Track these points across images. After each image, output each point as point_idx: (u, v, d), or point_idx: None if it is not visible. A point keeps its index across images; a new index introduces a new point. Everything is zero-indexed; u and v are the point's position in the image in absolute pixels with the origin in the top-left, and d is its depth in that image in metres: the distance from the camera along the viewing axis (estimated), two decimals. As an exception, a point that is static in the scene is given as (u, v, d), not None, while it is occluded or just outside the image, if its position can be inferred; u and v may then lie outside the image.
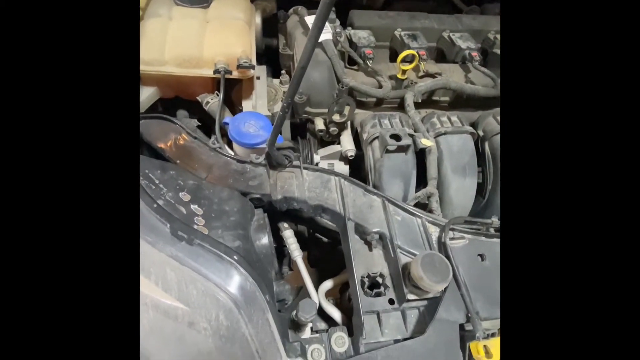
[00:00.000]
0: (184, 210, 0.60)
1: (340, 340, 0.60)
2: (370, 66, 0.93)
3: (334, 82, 0.91)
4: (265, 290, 0.57)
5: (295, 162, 0.72)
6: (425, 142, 0.80)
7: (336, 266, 0.91)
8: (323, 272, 0.89)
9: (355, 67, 0.98)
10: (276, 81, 1.07)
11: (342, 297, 0.76)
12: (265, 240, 0.65)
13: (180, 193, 0.62)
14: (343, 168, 0.93)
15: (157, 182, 0.62)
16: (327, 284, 0.77)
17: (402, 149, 0.79)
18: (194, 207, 0.62)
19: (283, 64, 1.08)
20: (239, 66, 0.83)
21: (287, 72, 1.04)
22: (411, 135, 0.80)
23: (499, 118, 0.88)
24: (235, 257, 0.56)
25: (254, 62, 0.87)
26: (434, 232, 0.65)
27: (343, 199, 0.68)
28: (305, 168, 0.72)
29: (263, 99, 0.99)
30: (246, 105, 0.97)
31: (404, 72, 0.92)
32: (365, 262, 0.64)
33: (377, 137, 0.81)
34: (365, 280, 0.62)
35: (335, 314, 0.71)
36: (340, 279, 0.79)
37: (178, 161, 0.73)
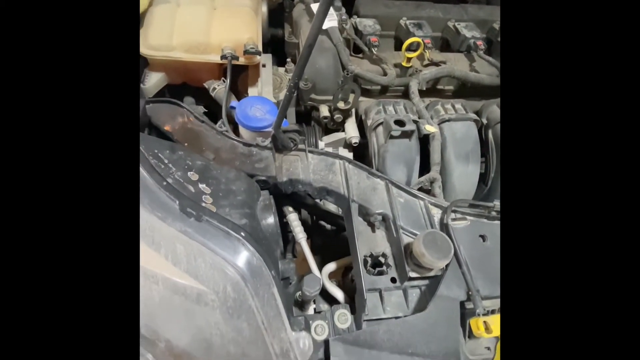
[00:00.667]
0: (192, 188, 0.62)
1: (343, 317, 0.61)
2: (376, 54, 0.94)
3: (339, 69, 0.92)
4: (271, 266, 0.58)
5: (301, 146, 0.73)
6: (429, 128, 0.81)
7: (339, 253, 0.93)
8: (326, 259, 0.90)
9: (360, 55, 0.98)
10: (281, 69, 1.08)
11: (345, 280, 0.77)
12: (271, 219, 0.67)
13: (188, 172, 0.64)
14: (347, 155, 0.95)
15: (166, 161, 0.64)
16: (331, 266, 0.78)
17: (406, 135, 0.80)
18: (202, 186, 0.63)
19: (288, 52, 1.09)
20: (245, 52, 0.84)
21: (293, 60, 1.05)
22: (415, 122, 0.81)
23: (502, 106, 0.89)
24: (242, 233, 0.57)
25: (260, 48, 0.88)
26: (437, 213, 0.67)
27: (347, 182, 0.69)
28: (310, 151, 0.73)
29: (269, 87, 1.00)
30: (252, 92, 0.98)
31: (408, 60, 0.93)
32: (368, 242, 0.66)
33: (381, 123, 0.82)
34: (368, 259, 0.63)
35: (338, 294, 0.73)
36: (343, 261, 0.80)
37: (186, 144, 0.75)
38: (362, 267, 0.61)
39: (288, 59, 1.06)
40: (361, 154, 0.96)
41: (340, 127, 0.97)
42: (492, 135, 0.89)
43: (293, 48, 1.05)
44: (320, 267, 0.78)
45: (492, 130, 0.89)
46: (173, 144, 0.68)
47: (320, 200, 0.84)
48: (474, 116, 0.85)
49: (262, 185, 0.72)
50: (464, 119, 0.84)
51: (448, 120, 0.84)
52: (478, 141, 0.84)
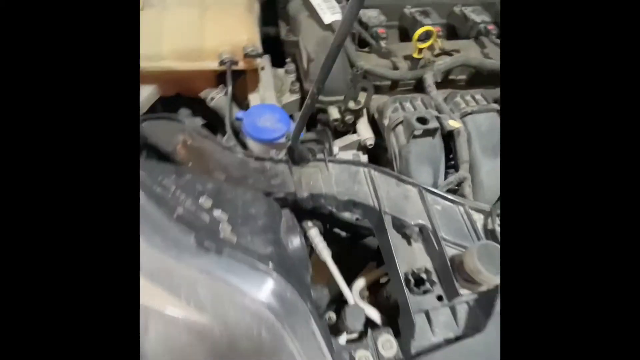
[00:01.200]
0: (207, 217, 0.54)
1: (388, 344, 0.55)
2: (384, 46, 0.87)
3: (347, 67, 0.85)
4: (306, 297, 0.52)
5: (319, 155, 0.66)
6: (453, 123, 0.74)
7: (356, 262, 0.87)
8: (343, 268, 0.84)
9: (367, 49, 0.91)
10: (281, 71, 1.00)
11: (378, 295, 0.71)
12: (297, 241, 0.60)
13: (200, 199, 0.56)
14: (362, 158, 0.88)
15: (173, 189, 0.56)
16: (360, 283, 0.72)
17: (429, 133, 0.73)
18: (217, 213, 0.56)
19: (287, 51, 1.02)
20: (246, 55, 0.76)
21: (293, 60, 0.98)
22: (437, 118, 0.74)
23: (524, 93, 0.83)
24: (270, 264, 0.50)
25: (261, 49, 0.80)
26: (479, 219, 0.61)
27: (376, 191, 0.63)
28: (330, 161, 0.66)
29: (270, 91, 0.92)
30: (253, 98, 0.90)
31: (420, 50, 0.86)
32: (406, 257, 0.59)
33: (401, 122, 0.75)
34: (410, 277, 0.57)
35: (374, 315, 0.66)
36: (371, 276, 0.74)
37: (190, 164, 0.67)
38: (405, 288, 0.55)
39: (288, 59, 0.98)
40: (374, 154, 0.90)
41: (350, 128, 0.91)
42: (516, 125, 0.84)
43: (292, 47, 0.97)
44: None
45: (515, 120, 0.83)
46: (178, 167, 0.60)
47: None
48: (497, 106, 0.80)
49: (280, 203, 0.65)
50: (486, 110, 0.79)
51: (470, 113, 0.78)
52: (504, 133, 0.79)
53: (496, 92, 0.91)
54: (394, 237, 0.60)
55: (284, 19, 1.03)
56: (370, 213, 0.63)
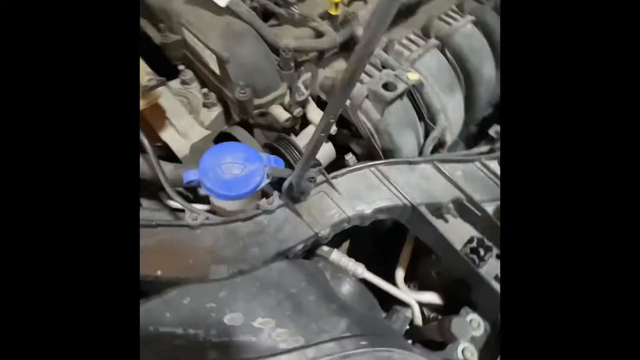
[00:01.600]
0: (250, 337, 0.39)
1: (475, 323, 0.54)
2: (298, 12, 0.71)
3: (269, 54, 0.67)
4: (405, 344, 0.44)
5: (319, 179, 0.53)
6: (412, 76, 0.68)
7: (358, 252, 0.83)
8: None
9: (276, 22, 0.74)
10: (175, 85, 0.75)
11: (422, 277, 0.68)
12: (352, 285, 0.50)
13: (225, 319, 0.40)
14: (327, 148, 0.77)
15: (180, 332, 0.38)
16: (400, 273, 0.68)
17: (398, 97, 0.66)
18: (257, 323, 0.40)
19: (172, 56, 0.75)
20: (147, 89, 0.52)
21: (189, 67, 0.74)
22: (397, 77, 0.67)
23: (446, 18, 0.81)
24: (362, 342, 0.40)
25: (156, 75, 0.56)
26: (496, 167, 0.60)
27: (396, 188, 0.55)
28: (334, 178, 0.54)
29: (185, 117, 0.69)
30: (169, 137, 0.67)
31: (336, 5, 0.73)
32: (453, 236, 0.56)
33: (367, 97, 0.66)
34: (470, 255, 0.54)
35: (434, 298, 0.64)
36: (405, 260, 0.70)
37: (159, 272, 0.46)
38: (473, 265, 0.52)
39: (181, 67, 0.74)
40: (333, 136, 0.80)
41: (298, 122, 0.77)
42: (450, 52, 0.82)
43: (178, 49, 0.72)
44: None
45: (448, 47, 0.82)
46: (159, 298, 0.40)
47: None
48: (435, 42, 0.76)
49: (300, 255, 0.52)
50: (428, 49, 0.75)
51: (417, 58, 0.73)
52: (449, 66, 0.77)
53: (418, 20, 0.86)
54: (436, 224, 0.55)
55: (147, 15, 0.74)
56: (400, 212, 0.56)
